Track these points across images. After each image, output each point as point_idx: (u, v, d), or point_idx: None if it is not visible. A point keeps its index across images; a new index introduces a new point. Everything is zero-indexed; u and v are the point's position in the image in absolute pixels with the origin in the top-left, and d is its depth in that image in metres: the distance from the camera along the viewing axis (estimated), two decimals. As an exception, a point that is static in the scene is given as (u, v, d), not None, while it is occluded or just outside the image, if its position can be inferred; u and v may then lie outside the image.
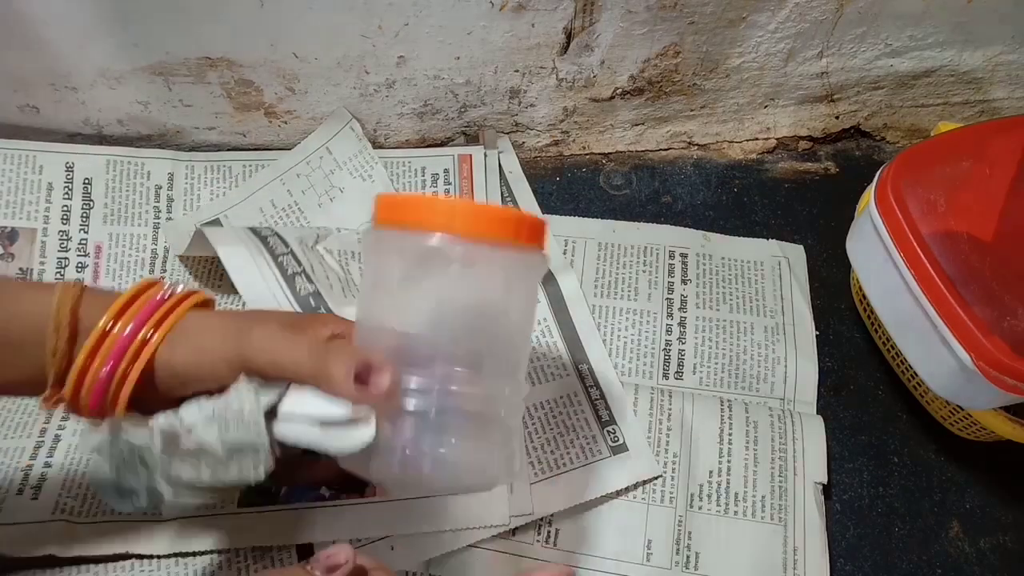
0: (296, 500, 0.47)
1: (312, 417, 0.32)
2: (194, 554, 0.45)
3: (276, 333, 0.34)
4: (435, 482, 0.34)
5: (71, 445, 0.48)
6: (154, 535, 0.45)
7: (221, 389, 0.33)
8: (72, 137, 0.59)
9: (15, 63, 0.53)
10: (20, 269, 0.55)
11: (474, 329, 0.35)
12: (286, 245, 0.52)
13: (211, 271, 0.57)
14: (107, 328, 0.32)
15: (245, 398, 0.32)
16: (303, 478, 0.41)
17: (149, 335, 0.33)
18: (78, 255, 0.56)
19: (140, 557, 0.45)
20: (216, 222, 0.57)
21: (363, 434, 0.32)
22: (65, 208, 0.56)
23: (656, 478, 0.49)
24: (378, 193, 0.35)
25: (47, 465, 0.47)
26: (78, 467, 0.47)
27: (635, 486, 0.49)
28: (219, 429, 0.32)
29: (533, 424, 0.50)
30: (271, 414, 0.33)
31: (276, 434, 0.33)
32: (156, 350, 0.33)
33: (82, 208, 0.57)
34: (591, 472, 0.49)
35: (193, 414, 0.33)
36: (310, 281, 0.51)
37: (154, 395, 0.34)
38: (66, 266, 0.55)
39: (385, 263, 0.35)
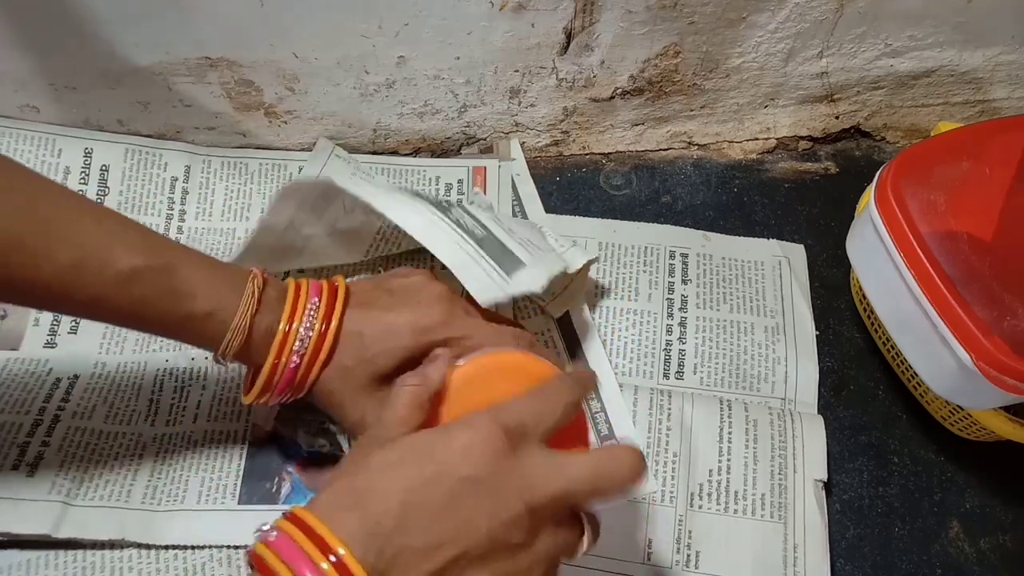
0: (296, 501, 0.47)
1: None
2: (192, 548, 0.45)
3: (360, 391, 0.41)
4: None
5: (69, 427, 0.48)
6: (153, 525, 0.45)
7: None
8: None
9: (15, 63, 0.53)
10: None
11: None
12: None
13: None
14: (286, 330, 0.40)
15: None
16: None
17: (323, 329, 0.40)
18: None
19: (138, 546, 0.45)
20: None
21: None
22: (80, 193, 0.56)
23: (651, 494, 0.49)
24: None
25: (44, 444, 0.47)
26: (76, 449, 0.47)
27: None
28: None
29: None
30: None
31: None
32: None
33: (97, 194, 0.57)
34: None
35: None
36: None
37: None
38: None
39: None
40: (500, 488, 0.30)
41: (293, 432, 0.49)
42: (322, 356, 0.40)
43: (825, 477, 0.50)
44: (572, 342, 0.54)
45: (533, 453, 0.32)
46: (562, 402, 0.34)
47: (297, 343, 0.39)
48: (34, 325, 0.53)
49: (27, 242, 0.34)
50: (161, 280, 0.37)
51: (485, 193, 0.61)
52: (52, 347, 0.52)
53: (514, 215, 0.60)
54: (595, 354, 0.53)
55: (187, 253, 0.39)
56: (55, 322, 0.53)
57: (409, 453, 0.31)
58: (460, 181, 0.61)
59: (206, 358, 0.52)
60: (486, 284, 0.44)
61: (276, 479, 0.48)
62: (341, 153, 0.61)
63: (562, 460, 0.32)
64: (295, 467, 0.48)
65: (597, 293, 0.57)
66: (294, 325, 0.39)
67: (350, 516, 0.28)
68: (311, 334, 0.40)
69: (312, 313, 0.40)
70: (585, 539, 0.33)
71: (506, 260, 0.46)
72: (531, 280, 0.46)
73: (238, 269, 0.40)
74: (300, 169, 0.61)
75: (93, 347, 0.52)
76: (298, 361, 0.39)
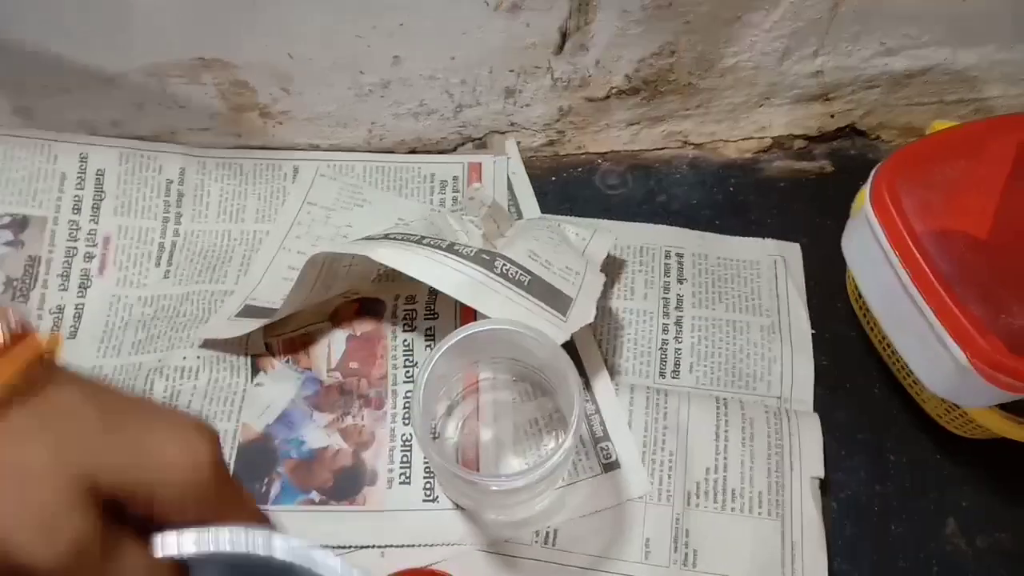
0: (286, 503, 0.47)
1: None
2: None
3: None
4: None
5: None
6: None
7: None
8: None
9: (8, 64, 0.53)
10: (29, 256, 0.55)
11: None
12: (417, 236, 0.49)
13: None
14: None
15: None
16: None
17: None
18: (87, 245, 0.56)
19: None
20: (249, 309, 0.54)
21: None
22: (77, 198, 0.56)
23: (648, 493, 0.49)
24: None
25: None
26: None
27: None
28: None
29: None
30: None
31: None
32: None
33: (93, 199, 0.57)
34: (580, 489, 0.48)
35: None
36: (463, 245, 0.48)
37: None
38: (74, 255, 0.55)
39: None
40: None
41: None
42: None
43: (822, 474, 0.50)
44: (567, 342, 0.54)
45: None
46: None
47: None
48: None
49: None
50: None
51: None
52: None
53: (509, 213, 0.60)
54: (593, 364, 0.53)
55: None
56: (54, 328, 0.53)
57: None
58: (455, 178, 0.61)
59: (198, 357, 0.52)
60: (551, 332, 0.45)
61: (266, 479, 0.48)
62: (325, 171, 0.61)
63: None
64: (284, 467, 0.48)
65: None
66: None
67: None
68: None
69: None
70: None
71: (556, 300, 0.47)
72: (584, 314, 0.48)
73: None
74: (295, 169, 0.61)
75: (91, 351, 0.52)
76: None
